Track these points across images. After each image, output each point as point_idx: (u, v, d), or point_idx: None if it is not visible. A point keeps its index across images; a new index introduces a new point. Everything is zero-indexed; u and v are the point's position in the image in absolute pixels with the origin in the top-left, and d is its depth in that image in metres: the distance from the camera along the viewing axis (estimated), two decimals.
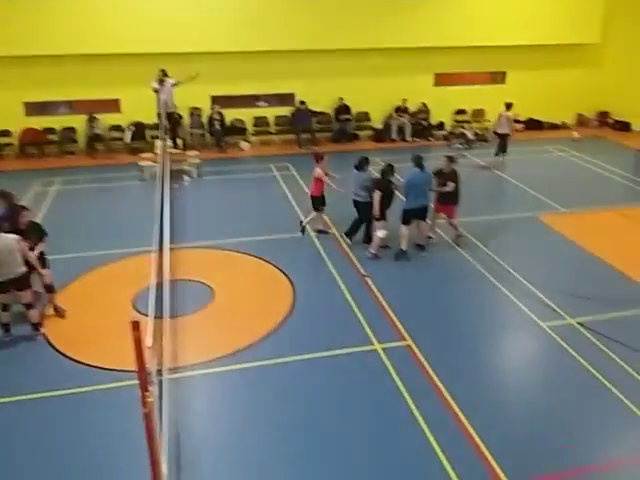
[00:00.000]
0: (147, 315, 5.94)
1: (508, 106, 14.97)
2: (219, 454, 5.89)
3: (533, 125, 18.86)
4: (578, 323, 7.99)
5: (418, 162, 9.75)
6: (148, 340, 4.97)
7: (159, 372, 6.21)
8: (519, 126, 18.55)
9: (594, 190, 13.34)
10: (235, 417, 6.41)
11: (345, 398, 6.64)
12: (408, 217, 9.86)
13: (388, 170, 9.74)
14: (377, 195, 9.51)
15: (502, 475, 5.50)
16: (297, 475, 5.59)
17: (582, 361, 7.21)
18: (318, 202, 10.66)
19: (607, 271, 9.46)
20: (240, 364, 7.21)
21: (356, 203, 10.23)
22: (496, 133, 15.23)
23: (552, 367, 7.31)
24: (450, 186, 9.94)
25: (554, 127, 19.02)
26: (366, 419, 6.31)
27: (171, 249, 9.94)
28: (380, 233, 9.63)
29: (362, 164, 10.17)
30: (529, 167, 15.17)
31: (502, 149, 15.07)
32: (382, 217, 9.65)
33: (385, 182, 9.67)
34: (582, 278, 9.30)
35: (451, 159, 10.20)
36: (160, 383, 6.28)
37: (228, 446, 5.99)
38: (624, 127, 18.66)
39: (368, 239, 10.20)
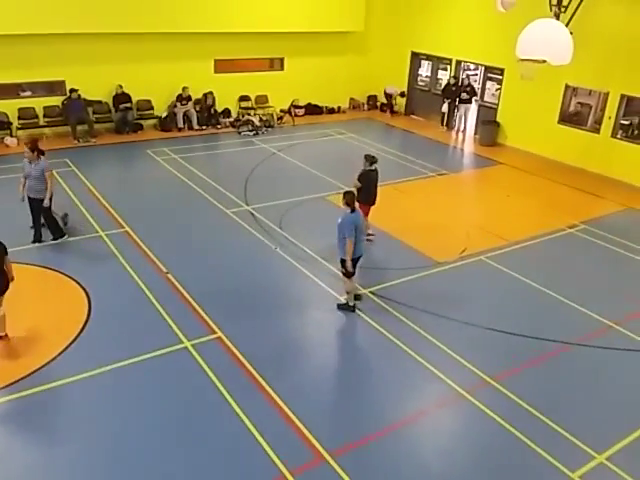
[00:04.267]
0: None
1: None
2: None
3: (313, 110, 19.85)
4: (370, 292, 8.72)
5: (350, 200, 8.05)
6: None
7: None
8: (299, 111, 19.46)
9: None
10: (37, 445, 5.78)
11: (159, 401, 6.41)
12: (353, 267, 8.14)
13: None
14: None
15: (321, 448, 5.82)
16: None
17: (376, 325, 7.93)
18: None
19: (390, 241, 10.46)
20: (35, 387, 6.48)
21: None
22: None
23: (350, 335, 7.95)
24: (355, 184, 9.74)
25: (331, 111, 20.27)
26: (182, 418, 6.17)
27: None
28: None
29: None
30: (313, 150, 16.02)
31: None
32: None
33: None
34: (371, 251, 10.14)
35: (366, 158, 9.93)
36: None
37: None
38: (390, 109, 20.62)
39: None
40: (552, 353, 7.64)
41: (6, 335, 7.23)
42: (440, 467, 5.79)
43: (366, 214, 10.11)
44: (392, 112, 20.14)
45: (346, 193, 8.08)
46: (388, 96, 20.01)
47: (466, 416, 6.48)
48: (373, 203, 10.13)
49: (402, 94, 19.87)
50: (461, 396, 6.69)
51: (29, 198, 9.57)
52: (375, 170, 10.02)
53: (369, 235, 10.32)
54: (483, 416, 6.39)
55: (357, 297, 8.49)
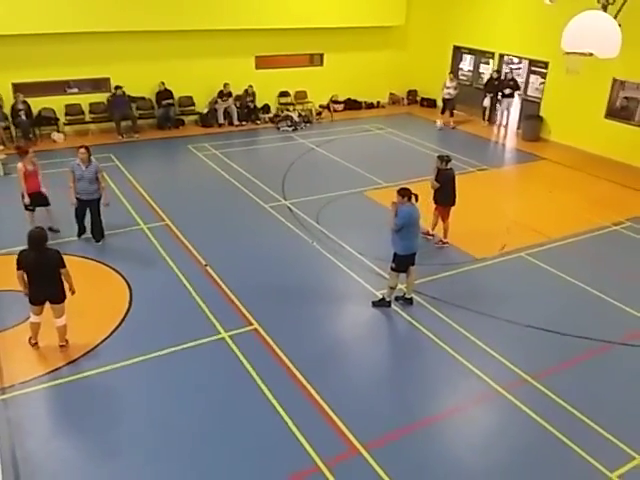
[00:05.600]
0: None
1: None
2: (63, 476, 5.46)
3: (352, 105, 19.80)
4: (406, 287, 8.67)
5: (409, 196, 7.76)
6: None
7: None
8: (338, 106, 19.44)
9: (409, 163, 14.44)
10: (81, 432, 5.98)
11: (198, 391, 6.54)
12: (405, 263, 8.08)
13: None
14: None
15: (355, 440, 5.84)
16: (158, 477, 5.40)
17: (412, 321, 7.89)
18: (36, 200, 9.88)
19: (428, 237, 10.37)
20: (79, 373, 6.71)
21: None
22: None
23: (386, 330, 7.91)
24: (433, 185, 9.75)
25: (370, 106, 20.19)
26: (221, 408, 6.28)
27: None
28: None
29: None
30: (351, 146, 15.99)
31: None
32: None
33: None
34: None
35: (441, 158, 9.87)
36: None
37: (73, 466, 5.58)
38: (431, 104, 20.38)
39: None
40: (593, 352, 7.45)
41: (66, 342, 7.16)
42: (474, 463, 5.73)
43: (445, 216, 9.94)
44: (448, 113, 18.11)
45: (400, 189, 7.81)
46: (447, 101, 18.12)
47: (503, 413, 6.39)
48: (452, 204, 9.86)
49: (452, 72, 18.63)
50: (498, 393, 6.60)
51: (81, 201, 9.65)
52: (451, 169, 9.87)
53: (428, 235, 10.12)
54: (520, 414, 6.29)
55: (408, 300, 8.31)
